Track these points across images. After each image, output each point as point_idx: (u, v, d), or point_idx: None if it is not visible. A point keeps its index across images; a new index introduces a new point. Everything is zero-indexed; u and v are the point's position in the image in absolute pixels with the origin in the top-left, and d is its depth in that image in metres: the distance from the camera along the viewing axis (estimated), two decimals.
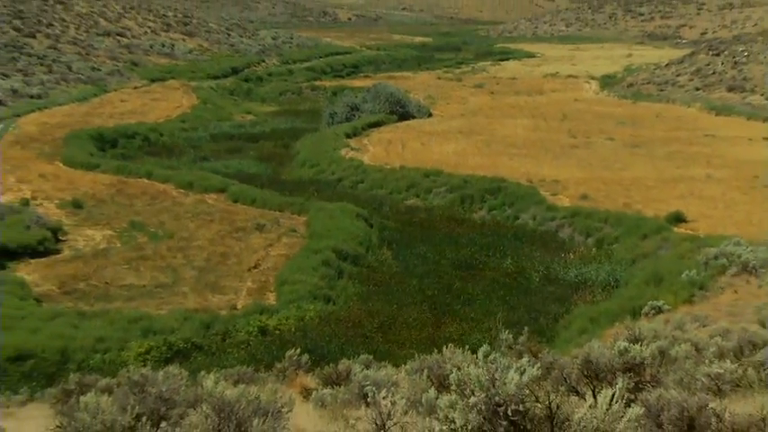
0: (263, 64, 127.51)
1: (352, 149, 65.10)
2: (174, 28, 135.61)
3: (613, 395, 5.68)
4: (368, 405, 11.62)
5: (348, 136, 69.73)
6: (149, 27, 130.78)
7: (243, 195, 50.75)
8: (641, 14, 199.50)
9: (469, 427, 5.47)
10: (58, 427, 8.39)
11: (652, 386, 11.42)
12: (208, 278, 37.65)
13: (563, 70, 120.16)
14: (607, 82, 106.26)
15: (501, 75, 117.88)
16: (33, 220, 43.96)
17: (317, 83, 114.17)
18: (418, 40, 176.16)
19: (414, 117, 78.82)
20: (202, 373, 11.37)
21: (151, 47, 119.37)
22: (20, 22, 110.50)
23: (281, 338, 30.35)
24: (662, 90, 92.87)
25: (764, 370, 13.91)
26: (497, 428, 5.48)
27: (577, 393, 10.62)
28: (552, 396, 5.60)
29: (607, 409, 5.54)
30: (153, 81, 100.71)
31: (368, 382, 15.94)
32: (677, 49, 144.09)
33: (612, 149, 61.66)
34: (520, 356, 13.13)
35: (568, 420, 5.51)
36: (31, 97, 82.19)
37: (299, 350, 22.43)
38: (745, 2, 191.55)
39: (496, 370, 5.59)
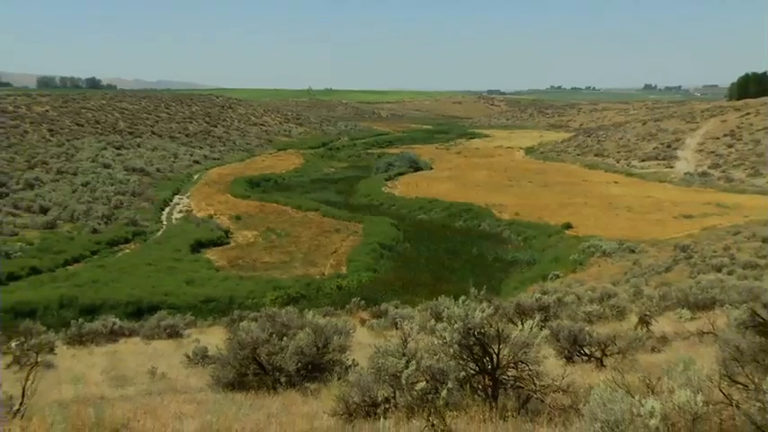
0: (339, 140, 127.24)
1: (388, 187, 64.99)
2: (292, 120, 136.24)
3: (533, 324, 5.63)
4: (397, 328, 11.61)
5: (386, 180, 69.64)
6: (278, 120, 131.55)
7: (328, 212, 50.82)
8: (547, 114, 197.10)
9: (454, 341, 5.45)
10: (227, 339, 8.48)
11: (554, 319, 11.33)
12: (309, 258, 37.79)
13: (504, 144, 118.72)
14: (529, 150, 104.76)
15: (470, 146, 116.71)
16: (214, 226, 44.52)
17: (370, 151, 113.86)
18: (425, 127, 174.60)
19: (422, 170, 78.28)
20: (306, 310, 11.40)
21: (279, 131, 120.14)
22: (208, 118, 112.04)
23: (349, 292, 30.38)
24: (559, 155, 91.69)
25: (614, 310, 13.87)
26: (469, 341, 5.46)
27: (513, 323, 10.54)
28: (499, 324, 5.56)
29: (530, 332, 5.49)
30: (279, 150, 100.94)
31: (397, 316, 15.94)
32: (567, 132, 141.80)
33: (532, 188, 61.01)
34: (481, 302, 13.04)
35: (508, 337, 5.47)
36: (214, 159, 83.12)
37: (359, 298, 22.52)
38: (605, 107, 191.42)
39: (469, 309, 5.56)
